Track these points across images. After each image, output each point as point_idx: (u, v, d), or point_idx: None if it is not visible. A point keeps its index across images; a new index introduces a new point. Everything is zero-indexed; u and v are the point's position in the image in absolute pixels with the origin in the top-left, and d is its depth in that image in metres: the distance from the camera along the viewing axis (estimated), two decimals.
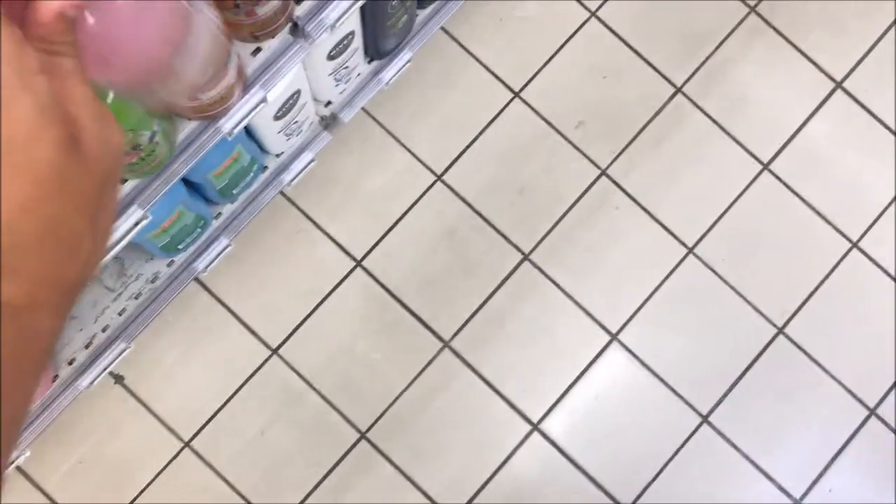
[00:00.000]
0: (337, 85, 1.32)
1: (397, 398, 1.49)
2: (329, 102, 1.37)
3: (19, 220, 0.33)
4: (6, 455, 0.35)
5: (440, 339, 1.51)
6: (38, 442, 1.35)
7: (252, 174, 1.32)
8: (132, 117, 0.83)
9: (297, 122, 1.28)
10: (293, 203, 1.53)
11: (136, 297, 1.34)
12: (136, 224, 0.97)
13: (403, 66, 1.37)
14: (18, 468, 1.44)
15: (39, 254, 0.34)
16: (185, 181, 1.20)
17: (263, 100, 1.00)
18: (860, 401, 1.53)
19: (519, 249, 1.54)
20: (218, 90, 0.90)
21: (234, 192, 1.31)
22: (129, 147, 0.85)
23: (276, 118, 1.20)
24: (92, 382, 1.32)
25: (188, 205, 1.21)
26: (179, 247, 1.30)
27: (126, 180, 0.97)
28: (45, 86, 0.33)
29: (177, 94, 0.60)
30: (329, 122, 1.41)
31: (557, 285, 1.53)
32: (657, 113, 1.59)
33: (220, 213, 1.36)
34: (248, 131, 1.26)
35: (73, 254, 0.36)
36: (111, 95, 0.70)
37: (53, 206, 0.34)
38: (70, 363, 1.31)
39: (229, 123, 0.98)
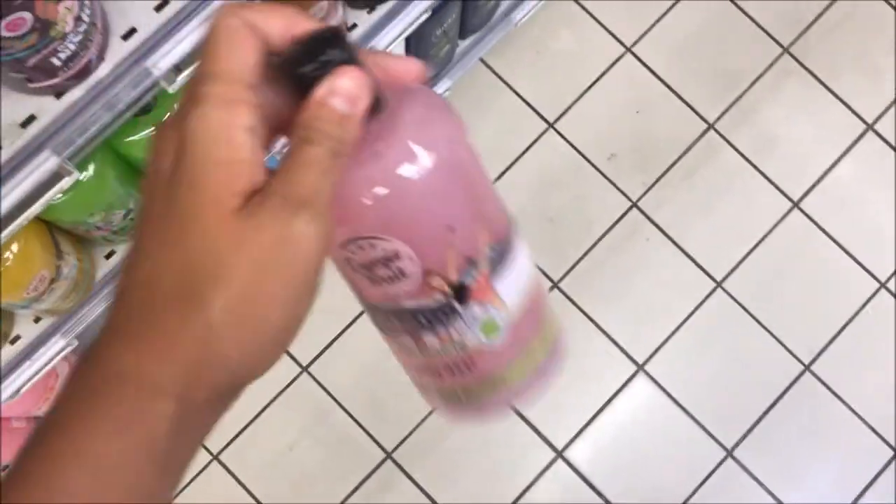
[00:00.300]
0: None
1: (424, 420, 1.51)
2: None
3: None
4: None
5: None
6: None
7: None
8: None
9: None
10: None
11: None
12: None
13: (443, 93, 1.41)
14: None
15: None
16: None
17: None
18: (885, 440, 1.52)
19: (548, 277, 1.56)
20: None
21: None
22: None
23: None
24: None
25: None
26: None
27: None
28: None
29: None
30: None
31: (585, 314, 1.55)
32: (689, 148, 1.61)
33: None
34: None
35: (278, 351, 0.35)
36: None
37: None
38: None
39: None
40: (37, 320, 0.95)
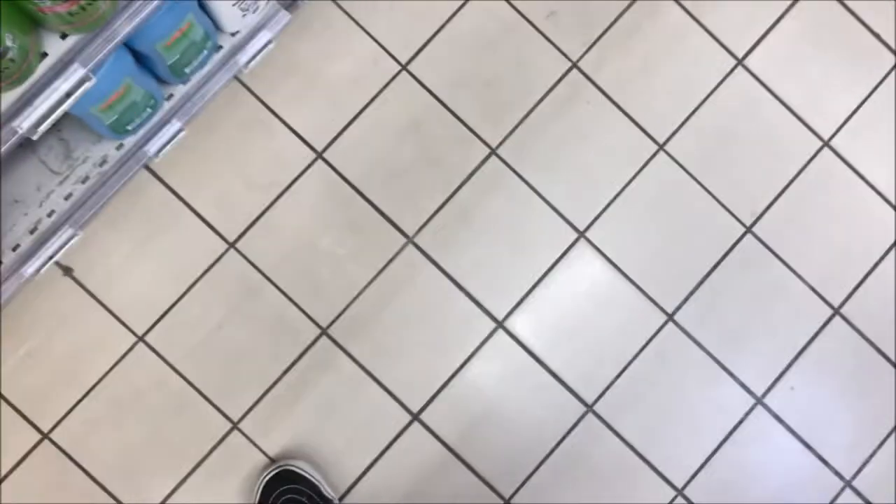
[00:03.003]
0: None
1: (359, 294, 1.46)
2: None
3: None
4: None
5: (404, 234, 1.47)
6: None
7: (206, 52, 1.24)
8: None
9: None
10: (250, 90, 1.46)
11: (84, 182, 1.27)
12: (80, 84, 0.90)
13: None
14: None
15: None
16: (134, 53, 1.12)
17: None
18: (825, 300, 1.52)
19: (486, 143, 1.49)
20: None
21: (187, 70, 1.24)
22: None
23: None
24: (38, 271, 1.26)
25: (137, 79, 1.14)
26: (128, 127, 1.23)
27: (66, 35, 0.90)
28: None
29: None
30: (289, 3, 1.33)
31: (525, 181, 1.49)
32: (630, 5, 1.53)
33: (171, 95, 1.29)
34: (201, 3, 1.18)
35: None
36: None
37: None
38: (14, 249, 1.25)
39: None
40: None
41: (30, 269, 1.25)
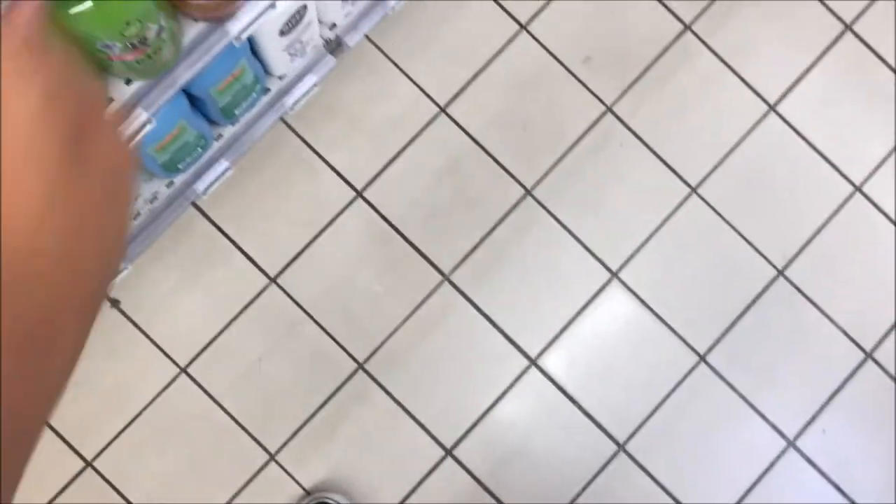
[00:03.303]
0: (343, 6, 1.30)
1: (396, 330, 1.49)
2: (334, 25, 1.35)
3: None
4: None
5: (440, 272, 1.50)
6: None
7: (255, 94, 1.29)
8: (140, 8, 0.81)
9: (301, 41, 1.26)
10: (294, 131, 1.51)
11: (135, 218, 1.32)
12: (142, 127, 0.95)
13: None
14: None
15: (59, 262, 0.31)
16: (189, 96, 1.17)
17: (272, 5, 0.98)
18: (857, 344, 1.53)
19: (521, 184, 1.53)
20: None
21: (237, 112, 1.29)
22: (136, 40, 0.83)
23: (282, 33, 1.17)
24: None
25: (190, 120, 1.19)
26: (180, 166, 1.28)
27: (130, 81, 0.95)
28: (44, 80, 0.31)
29: None
30: (334, 47, 1.38)
31: (559, 221, 1.52)
32: (665, 50, 1.57)
33: (220, 135, 1.34)
34: (253, 49, 1.24)
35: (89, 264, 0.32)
36: None
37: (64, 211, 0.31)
38: None
39: (236, 27, 0.96)
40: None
41: None
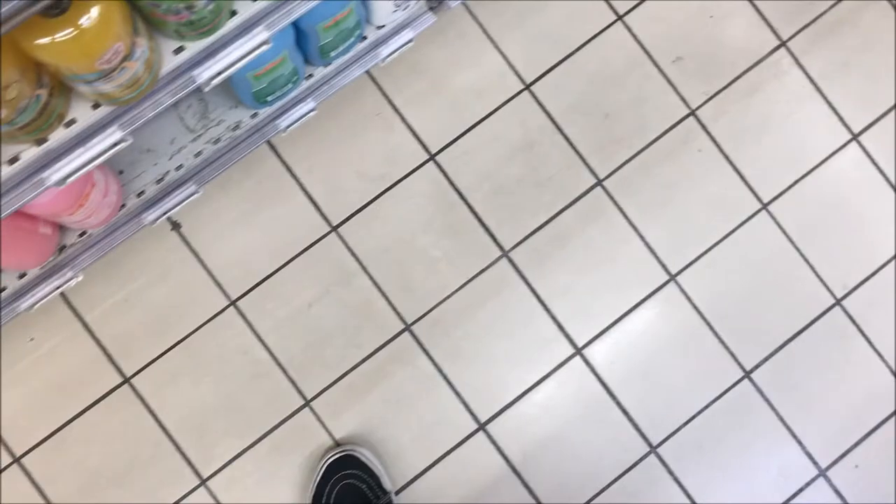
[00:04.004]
0: None
1: (447, 297, 1.48)
2: None
3: None
4: None
5: (500, 247, 1.49)
6: (90, 270, 1.34)
7: (352, 39, 1.29)
8: None
9: None
10: (378, 84, 1.50)
11: (215, 143, 1.32)
12: (259, 46, 0.95)
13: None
14: (63, 294, 1.43)
15: None
16: (295, 29, 1.17)
17: None
18: None
19: (594, 173, 1.52)
20: None
21: (333, 54, 1.29)
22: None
23: None
24: (156, 220, 1.31)
25: (291, 53, 1.18)
26: (269, 98, 1.28)
27: None
28: None
29: None
30: (435, 5, 1.37)
31: (626, 216, 1.51)
32: (757, 63, 1.55)
33: (311, 75, 1.34)
34: None
35: None
36: None
37: None
38: (139, 195, 1.30)
39: None
40: (95, 106, 0.89)
41: (150, 216, 1.30)
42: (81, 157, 0.89)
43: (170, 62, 0.91)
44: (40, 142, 0.87)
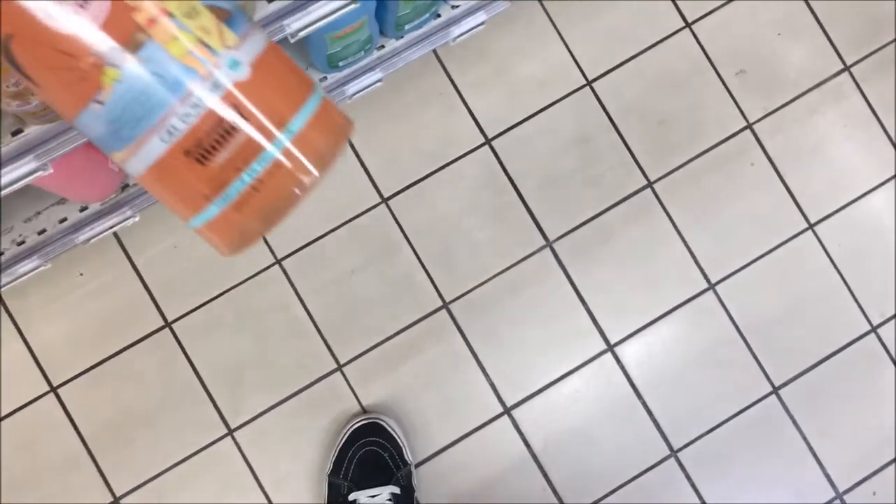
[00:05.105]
0: None
1: (487, 280, 1.50)
2: None
3: None
4: None
5: (545, 237, 1.51)
6: (146, 213, 1.38)
7: (427, 15, 1.31)
8: None
9: None
10: (442, 63, 1.52)
11: None
12: (348, 4, 0.97)
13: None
14: (116, 234, 1.47)
15: None
16: None
17: None
18: None
19: (645, 175, 1.53)
20: None
21: (407, 27, 1.31)
22: None
23: None
24: None
25: (370, 20, 1.21)
26: (340, 63, 1.30)
27: None
28: None
29: None
30: None
31: (672, 221, 1.53)
32: (818, 84, 1.56)
33: (383, 46, 1.36)
34: None
35: None
36: None
37: None
38: None
39: None
40: None
41: None
42: None
43: (262, 9, 0.94)
44: None
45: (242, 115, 0.57)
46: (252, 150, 0.58)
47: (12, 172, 0.91)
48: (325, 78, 1.35)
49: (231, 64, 0.57)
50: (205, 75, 0.56)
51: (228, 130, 0.56)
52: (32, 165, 0.91)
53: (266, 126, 0.58)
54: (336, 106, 0.65)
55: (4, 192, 0.93)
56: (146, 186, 0.61)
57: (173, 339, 1.46)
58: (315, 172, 0.61)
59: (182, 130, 0.56)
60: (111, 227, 1.33)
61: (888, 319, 1.54)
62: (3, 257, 1.27)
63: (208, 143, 0.56)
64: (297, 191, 0.61)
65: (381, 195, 1.50)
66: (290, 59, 0.64)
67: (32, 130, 0.89)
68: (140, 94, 0.55)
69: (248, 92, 0.58)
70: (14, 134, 0.89)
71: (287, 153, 0.60)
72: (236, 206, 0.59)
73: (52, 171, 0.93)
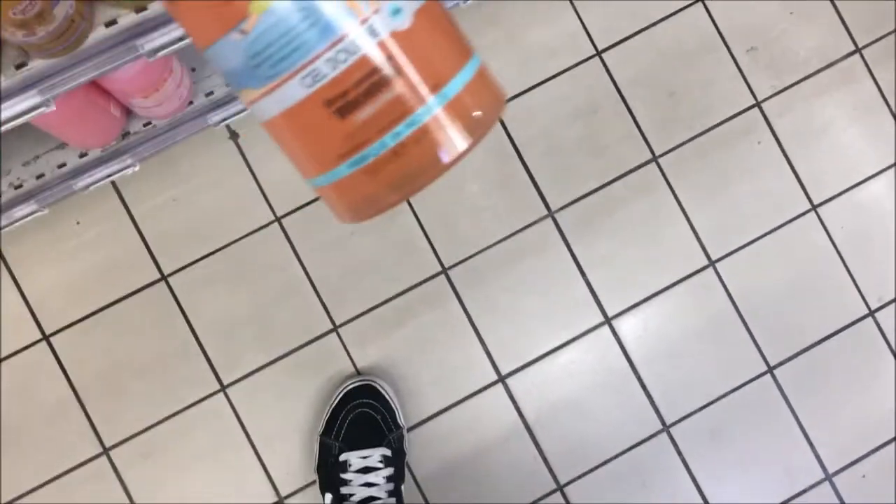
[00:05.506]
0: None
1: (487, 248, 1.49)
2: None
3: None
4: None
5: (547, 206, 1.50)
6: (146, 164, 1.36)
7: None
8: None
9: None
10: None
11: None
12: None
13: None
14: (114, 184, 1.45)
15: None
16: None
17: None
18: None
19: (651, 148, 1.52)
20: None
21: None
22: None
23: None
24: (221, 122, 1.32)
25: None
26: None
27: None
28: None
29: None
30: None
31: (675, 195, 1.52)
32: (829, 65, 1.55)
33: None
34: None
35: None
36: None
37: None
38: (207, 95, 1.31)
39: None
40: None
41: (214, 117, 1.31)
42: (175, 31, 0.90)
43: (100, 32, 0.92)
44: (139, 10, 0.88)
45: (396, 70, 0.51)
46: (401, 111, 0.52)
47: (14, 107, 0.89)
48: None
49: (392, 11, 0.51)
50: (362, 19, 0.49)
51: (378, 84, 0.50)
52: (35, 100, 0.89)
53: (420, 85, 0.52)
54: (493, 75, 0.59)
55: (5, 127, 0.91)
56: (272, 133, 0.55)
57: (169, 293, 1.45)
58: (463, 145, 0.55)
59: (327, 77, 0.49)
60: (110, 175, 1.31)
61: (886, 304, 1.54)
62: (1, 200, 1.26)
63: (353, 96, 0.50)
64: (440, 161, 0.55)
65: None
66: (451, 15, 0.59)
67: (37, 64, 0.87)
68: (289, 31, 0.49)
69: (406, 44, 0.51)
70: (18, 67, 0.87)
71: (438, 119, 0.53)
72: (370, 170, 0.53)
73: (54, 107, 0.91)
